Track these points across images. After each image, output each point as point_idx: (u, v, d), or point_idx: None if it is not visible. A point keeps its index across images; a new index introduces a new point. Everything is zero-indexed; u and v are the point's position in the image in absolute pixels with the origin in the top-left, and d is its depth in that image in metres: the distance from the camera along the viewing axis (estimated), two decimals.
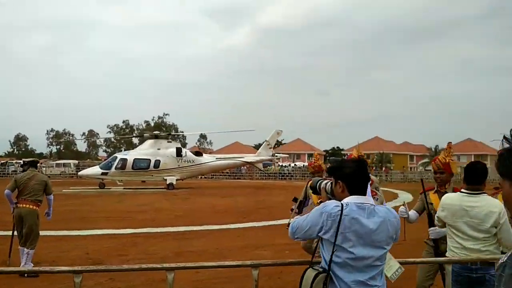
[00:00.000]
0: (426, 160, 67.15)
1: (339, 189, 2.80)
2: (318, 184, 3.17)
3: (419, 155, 76.52)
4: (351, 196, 2.72)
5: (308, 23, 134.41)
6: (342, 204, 2.66)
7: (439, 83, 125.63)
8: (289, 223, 6.48)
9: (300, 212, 6.41)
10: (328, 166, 3.00)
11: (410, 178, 47.83)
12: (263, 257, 8.93)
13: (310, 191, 6.50)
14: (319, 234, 2.68)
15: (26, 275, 7.06)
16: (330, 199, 2.94)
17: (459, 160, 76.82)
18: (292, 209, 6.85)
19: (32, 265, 7.33)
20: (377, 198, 5.71)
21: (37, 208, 7.42)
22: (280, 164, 52.03)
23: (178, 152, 29.29)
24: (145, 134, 32.60)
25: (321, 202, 4.63)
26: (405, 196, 23.22)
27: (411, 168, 70.05)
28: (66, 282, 6.79)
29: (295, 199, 6.79)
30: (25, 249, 7.25)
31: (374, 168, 52.70)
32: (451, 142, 5.15)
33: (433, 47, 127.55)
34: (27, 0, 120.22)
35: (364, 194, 2.77)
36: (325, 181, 3.09)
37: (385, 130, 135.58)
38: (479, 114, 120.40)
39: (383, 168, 57.38)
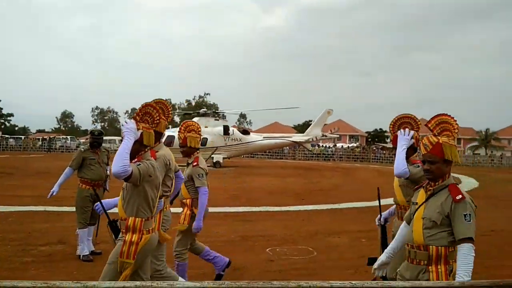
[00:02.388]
0: (475, 143, 64.43)
1: None
2: None
3: (467, 138, 73.24)
4: None
5: (350, 2, 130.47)
6: None
7: (486, 65, 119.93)
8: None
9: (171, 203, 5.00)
10: None
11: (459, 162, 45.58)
12: (338, 245, 8.08)
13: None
14: None
15: (81, 257, 6.47)
16: None
17: (510, 144, 73.32)
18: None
19: (90, 248, 6.70)
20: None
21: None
22: (324, 144, 50.72)
23: (226, 130, 28.66)
24: (192, 112, 31.98)
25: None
26: (469, 181, 21.86)
27: (458, 151, 67.17)
28: None
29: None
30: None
31: None
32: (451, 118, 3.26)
33: (480, 28, 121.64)
34: None
35: None
36: None
37: (431, 113, 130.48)
38: None
39: None
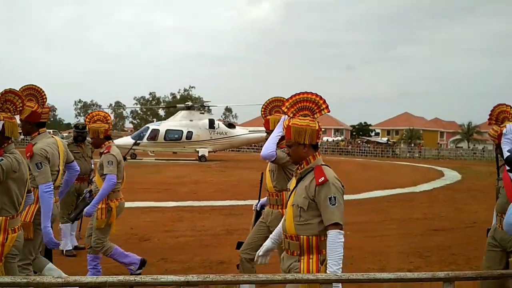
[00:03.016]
0: (458, 137, 65.49)
1: None
2: None
3: (450, 131, 74.32)
4: None
5: None
6: None
7: (469, 58, 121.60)
8: None
9: None
10: None
11: (442, 155, 46.28)
12: None
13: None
14: None
15: (64, 252, 6.37)
16: None
17: None
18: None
19: (73, 243, 6.62)
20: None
21: None
22: None
23: (211, 124, 28.60)
24: (177, 105, 31.89)
25: None
26: (452, 174, 22.12)
27: (440, 145, 68.30)
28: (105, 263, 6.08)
29: None
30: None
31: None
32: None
33: (465, 22, 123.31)
34: None
35: None
36: None
37: (415, 106, 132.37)
38: None
39: (416, 145, 55.76)
